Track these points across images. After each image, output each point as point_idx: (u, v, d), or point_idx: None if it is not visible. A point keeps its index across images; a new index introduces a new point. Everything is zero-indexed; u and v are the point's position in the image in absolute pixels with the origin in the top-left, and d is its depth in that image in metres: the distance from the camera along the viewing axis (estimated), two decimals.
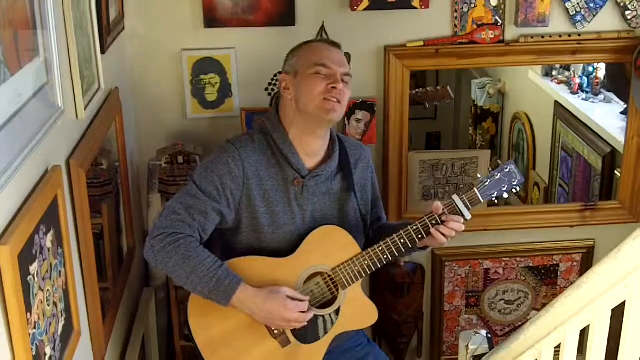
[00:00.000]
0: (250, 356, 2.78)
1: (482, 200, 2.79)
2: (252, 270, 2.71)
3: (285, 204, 2.77)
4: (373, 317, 2.91)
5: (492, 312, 4.30)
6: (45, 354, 2.03)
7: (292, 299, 2.68)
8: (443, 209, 2.74)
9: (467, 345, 3.18)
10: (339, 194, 2.88)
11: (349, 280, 2.78)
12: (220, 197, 2.68)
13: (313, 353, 2.83)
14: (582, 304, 2.26)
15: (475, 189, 2.78)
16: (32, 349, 1.90)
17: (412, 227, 2.75)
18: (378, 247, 2.77)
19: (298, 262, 2.76)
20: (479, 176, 2.83)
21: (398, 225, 2.88)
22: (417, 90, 5.06)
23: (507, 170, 2.81)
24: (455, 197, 2.76)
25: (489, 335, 3.21)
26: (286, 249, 2.77)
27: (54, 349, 2.11)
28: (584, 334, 2.39)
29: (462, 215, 2.76)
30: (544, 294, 4.26)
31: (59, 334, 2.18)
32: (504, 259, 4.15)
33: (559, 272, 4.22)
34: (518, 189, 2.85)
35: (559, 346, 2.48)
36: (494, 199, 2.82)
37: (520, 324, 4.19)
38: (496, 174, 2.80)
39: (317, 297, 2.80)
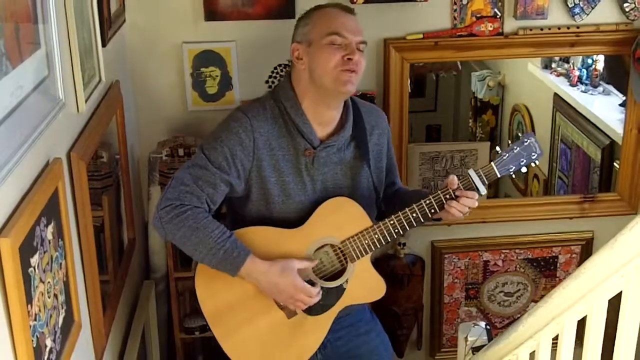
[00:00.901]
0: (255, 326, 2.77)
1: (499, 175, 2.74)
2: (261, 240, 2.70)
3: (295, 174, 2.73)
4: (381, 290, 2.88)
5: (492, 304, 4.31)
6: (45, 346, 2.04)
7: (303, 277, 2.67)
8: (458, 184, 2.70)
9: (466, 337, 3.18)
10: (352, 162, 2.83)
11: (359, 253, 2.75)
12: (230, 168, 2.65)
13: (319, 324, 2.82)
14: (579, 295, 2.27)
15: (492, 164, 2.73)
16: (32, 340, 1.91)
17: (425, 202, 2.71)
18: (389, 221, 2.73)
19: (308, 233, 2.74)
20: (498, 150, 2.79)
21: (412, 195, 2.86)
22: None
23: (526, 143, 2.75)
24: (471, 171, 2.72)
25: (488, 327, 3.22)
26: (297, 219, 2.74)
27: (54, 341, 2.12)
28: (582, 326, 2.40)
29: (478, 190, 2.72)
30: (543, 286, 4.27)
31: (60, 326, 2.19)
32: (504, 250, 4.16)
33: (558, 264, 4.23)
34: (537, 162, 2.81)
35: (557, 338, 2.49)
36: (511, 173, 2.78)
37: (519, 315, 4.21)
38: (515, 147, 2.75)
39: (326, 267, 2.78)
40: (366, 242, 2.75)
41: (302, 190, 2.75)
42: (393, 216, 2.74)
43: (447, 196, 2.71)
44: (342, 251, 2.77)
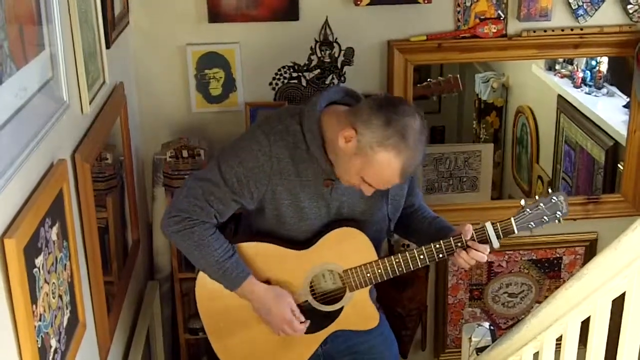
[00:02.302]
0: (248, 332, 2.83)
1: (516, 232, 2.70)
2: (264, 256, 2.74)
3: (311, 200, 2.69)
4: (373, 322, 2.94)
5: (496, 305, 4.31)
6: (50, 347, 2.04)
7: (299, 297, 2.75)
8: (472, 234, 2.68)
9: (470, 338, 3.18)
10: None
11: (358, 284, 2.77)
12: (243, 189, 2.63)
13: (307, 344, 2.88)
14: (582, 296, 2.27)
15: (512, 219, 2.69)
16: (37, 341, 1.91)
17: (434, 246, 2.70)
18: (395, 259, 2.73)
19: (311, 257, 2.75)
20: (522, 203, 2.71)
21: (427, 227, 2.87)
22: (429, 80, 5.08)
23: (554, 201, 2.69)
24: (488, 224, 2.69)
25: (492, 328, 3.22)
26: (306, 239, 2.75)
27: (59, 341, 2.13)
28: (586, 327, 2.40)
29: (491, 243, 2.69)
30: (547, 287, 4.27)
31: (64, 326, 2.20)
32: (508, 252, 4.16)
33: (562, 265, 4.23)
34: (560, 220, 2.73)
35: (561, 338, 2.50)
36: (530, 229, 2.71)
37: (523, 316, 4.21)
38: (541, 204, 2.69)
39: (328, 286, 2.81)
40: (368, 275, 2.76)
41: (317, 214, 2.73)
42: (399, 254, 2.74)
43: (459, 244, 2.69)
44: (342, 280, 2.79)
